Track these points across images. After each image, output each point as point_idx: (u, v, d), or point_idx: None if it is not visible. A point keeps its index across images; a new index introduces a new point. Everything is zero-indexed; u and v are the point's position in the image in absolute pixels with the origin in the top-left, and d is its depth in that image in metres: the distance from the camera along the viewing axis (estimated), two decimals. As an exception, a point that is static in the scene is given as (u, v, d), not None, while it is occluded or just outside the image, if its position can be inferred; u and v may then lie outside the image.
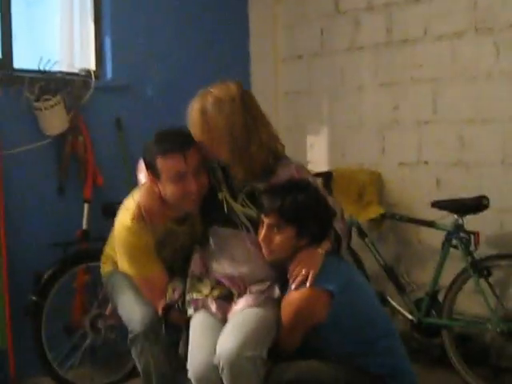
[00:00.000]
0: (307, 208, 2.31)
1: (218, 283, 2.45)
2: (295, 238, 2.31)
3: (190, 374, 2.28)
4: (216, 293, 2.43)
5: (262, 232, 2.32)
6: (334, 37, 4.10)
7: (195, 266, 2.51)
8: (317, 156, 4.28)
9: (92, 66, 3.83)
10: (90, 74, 3.69)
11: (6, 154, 3.33)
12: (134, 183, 2.76)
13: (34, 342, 3.25)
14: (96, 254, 3.47)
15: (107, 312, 3.42)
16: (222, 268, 2.45)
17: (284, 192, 2.31)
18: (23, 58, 3.57)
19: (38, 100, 3.44)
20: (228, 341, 2.24)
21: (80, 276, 3.49)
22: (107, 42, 3.84)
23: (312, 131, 4.28)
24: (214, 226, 2.47)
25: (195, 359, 2.29)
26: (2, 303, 3.23)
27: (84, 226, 3.58)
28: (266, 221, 2.31)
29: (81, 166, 3.61)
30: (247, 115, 2.36)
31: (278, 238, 2.31)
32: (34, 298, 3.25)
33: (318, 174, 3.73)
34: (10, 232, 3.33)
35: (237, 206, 2.41)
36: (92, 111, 3.66)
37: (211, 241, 2.49)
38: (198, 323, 2.41)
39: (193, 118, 2.38)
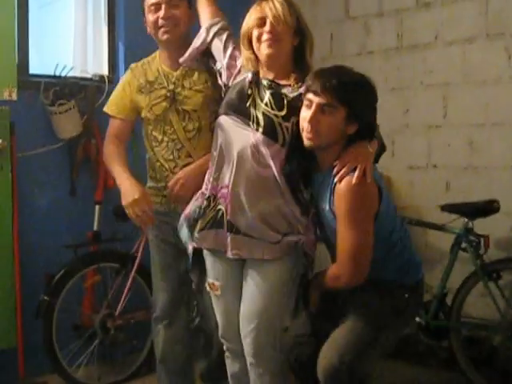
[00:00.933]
0: (361, 89, 2.22)
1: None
2: (344, 121, 2.19)
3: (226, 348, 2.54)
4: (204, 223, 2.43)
5: (310, 112, 2.18)
6: (343, 42, 4.11)
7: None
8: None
9: (105, 72, 3.89)
10: (104, 80, 3.74)
11: (21, 157, 3.38)
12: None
13: (44, 340, 3.29)
14: (107, 256, 3.56)
15: (117, 312, 3.47)
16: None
17: (338, 73, 2.23)
18: (37, 64, 3.63)
19: (52, 104, 3.49)
20: (247, 328, 2.36)
21: (90, 277, 3.53)
22: (120, 47, 3.89)
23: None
24: (227, 112, 2.39)
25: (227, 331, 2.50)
26: (14, 303, 3.27)
27: (95, 228, 3.63)
28: (317, 100, 2.17)
29: (93, 168, 3.67)
30: (306, 28, 2.40)
31: (327, 120, 2.18)
32: (45, 298, 3.29)
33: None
34: (22, 233, 3.36)
35: (259, 104, 2.33)
36: (105, 115, 3.71)
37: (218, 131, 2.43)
38: (221, 299, 2.48)
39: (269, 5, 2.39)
